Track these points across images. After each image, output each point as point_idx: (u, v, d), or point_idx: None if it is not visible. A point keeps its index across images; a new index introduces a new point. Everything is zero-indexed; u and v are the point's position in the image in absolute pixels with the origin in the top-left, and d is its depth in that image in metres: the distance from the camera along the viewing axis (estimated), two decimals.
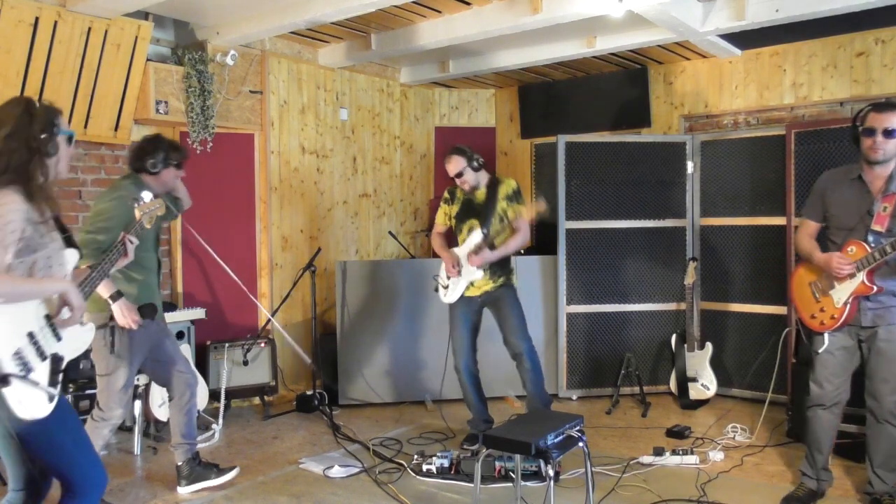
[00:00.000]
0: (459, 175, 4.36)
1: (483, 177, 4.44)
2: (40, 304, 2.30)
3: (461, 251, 4.41)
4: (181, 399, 3.79)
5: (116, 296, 3.40)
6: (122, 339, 3.47)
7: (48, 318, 2.31)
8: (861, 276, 3.19)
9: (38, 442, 2.31)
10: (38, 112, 2.32)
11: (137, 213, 2.90)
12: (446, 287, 4.49)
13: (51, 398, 2.26)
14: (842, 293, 3.26)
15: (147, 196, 2.97)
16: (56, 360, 2.32)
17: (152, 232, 3.65)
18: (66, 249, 2.42)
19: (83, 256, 3.27)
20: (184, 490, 3.79)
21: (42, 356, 2.26)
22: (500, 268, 4.40)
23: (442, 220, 4.57)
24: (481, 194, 4.42)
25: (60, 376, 2.33)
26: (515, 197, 4.41)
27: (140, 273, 3.56)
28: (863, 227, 3.22)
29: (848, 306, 3.24)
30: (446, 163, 4.40)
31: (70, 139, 2.41)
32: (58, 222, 2.43)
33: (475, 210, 4.42)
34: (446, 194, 4.56)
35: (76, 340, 2.45)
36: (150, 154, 3.62)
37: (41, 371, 2.25)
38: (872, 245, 3.17)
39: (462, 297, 4.41)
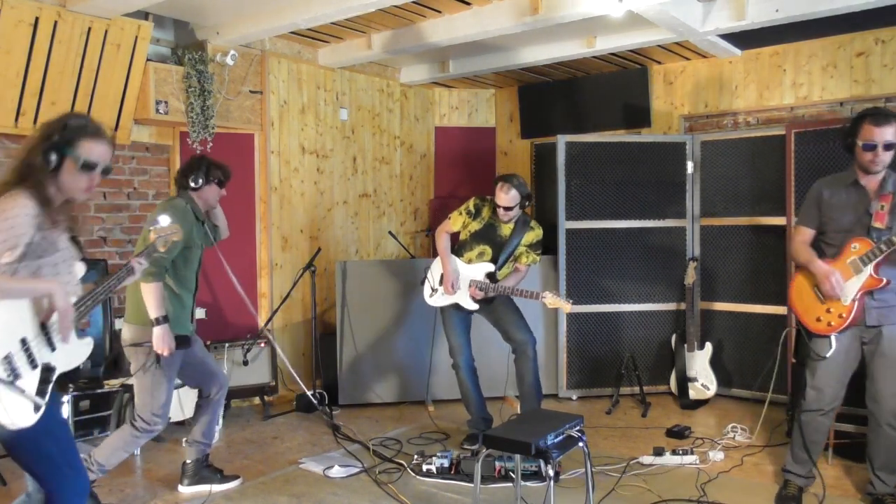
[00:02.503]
0: (509, 209, 4.27)
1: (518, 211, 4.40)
2: (35, 313, 2.27)
3: (464, 272, 4.40)
4: (213, 398, 3.85)
5: (162, 319, 3.42)
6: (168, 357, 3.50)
7: (44, 326, 2.29)
8: (869, 270, 3.20)
9: (23, 449, 2.30)
10: (63, 128, 2.35)
11: (152, 236, 2.93)
12: (435, 290, 4.50)
13: (37, 408, 2.23)
14: (850, 290, 3.24)
15: (164, 220, 3.00)
16: (47, 370, 2.29)
17: (199, 253, 3.71)
18: (77, 262, 2.45)
19: (153, 275, 3.39)
20: (185, 490, 3.80)
21: (33, 364, 2.24)
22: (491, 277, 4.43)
23: (458, 226, 4.48)
24: (507, 228, 4.39)
25: (50, 387, 2.29)
26: (536, 247, 4.44)
27: (181, 291, 3.62)
28: (861, 227, 3.26)
29: (856, 303, 3.23)
30: (502, 191, 4.25)
31: (87, 166, 2.38)
32: (74, 238, 2.46)
33: (495, 241, 4.39)
34: (471, 207, 4.43)
35: (72, 353, 2.41)
36: (193, 170, 3.68)
37: (29, 379, 2.22)
38: (875, 239, 3.19)
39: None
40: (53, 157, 2.32)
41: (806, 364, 3.46)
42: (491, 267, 4.37)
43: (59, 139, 2.33)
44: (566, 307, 4.15)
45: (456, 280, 4.37)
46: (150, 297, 3.41)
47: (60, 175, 2.35)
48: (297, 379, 5.26)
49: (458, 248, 4.52)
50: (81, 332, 2.46)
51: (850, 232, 3.28)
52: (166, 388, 3.56)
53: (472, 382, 4.53)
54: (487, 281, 4.35)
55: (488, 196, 4.47)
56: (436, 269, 4.53)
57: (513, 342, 4.47)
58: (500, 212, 4.31)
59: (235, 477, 3.92)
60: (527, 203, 4.35)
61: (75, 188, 2.40)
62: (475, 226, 4.44)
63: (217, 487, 3.82)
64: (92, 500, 3.51)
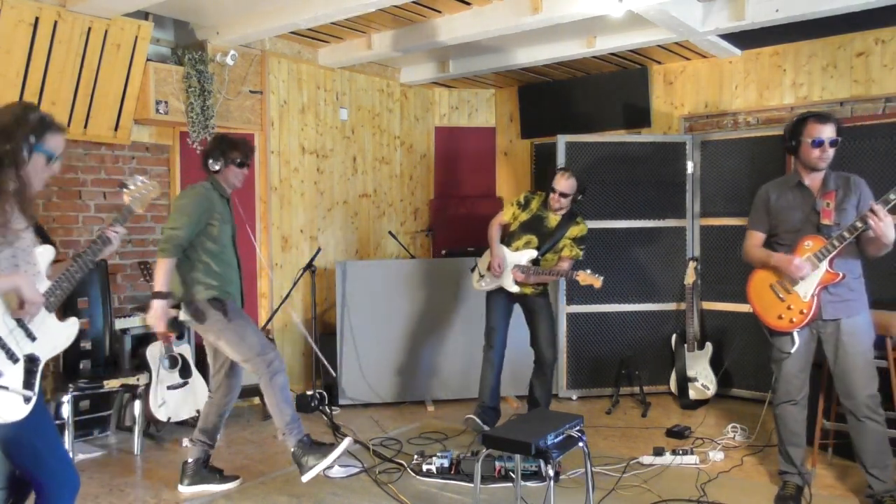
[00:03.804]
0: (564, 196, 4.47)
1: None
2: (7, 307, 2.24)
3: (510, 257, 4.57)
4: (226, 398, 3.90)
5: (162, 295, 3.45)
6: (229, 306, 3.64)
7: (20, 319, 2.26)
8: (825, 266, 3.28)
9: (8, 444, 2.29)
10: (28, 121, 2.29)
11: (126, 198, 2.79)
12: (482, 276, 4.69)
13: (27, 399, 2.24)
14: (808, 286, 3.31)
15: (132, 182, 2.84)
16: (31, 360, 2.28)
17: (229, 229, 3.76)
18: (38, 247, 2.39)
19: (165, 251, 3.45)
20: (184, 489, 3.80)
21: (13, 359, 2.23)
22: None
23: (509, 217, 4.70)
24: (554, 220, 4.57)
25: (37, 377, 2.29)
26: (580, 242, 4.61)
27: (220, 266, 3.68)
28: (810, 225, 3.36)
29: (815, 298, 3.30)
30: (563, 177, 4.49)
31: (49, 158, 2.36)
32: (35, 225, 2.41)
33: (541, 231, 4.57)
34: (521, 199, 4.68)
35: (55, 338, 2.39)
36: (211, 154, 3.74)
37: (13, 374, 2.22)
38: (827, 236, 3.27)
39: (502, 287, 4.61)
40: (25, 154, 2.28)
41: (771, 361, 3.53)
42: (534, 254, 4.54)
43: (29, 134, 2.28)
44: (597, 283, 4.33)
45: (502, 262, 4.54)
46: (159, 270, 3.48)
47: (25, 170, 2.29)
48: (322, 358, 5.26)
49: (507, 238, 4.68)
50: (65, 314, 2.44)
51: (801, 231, 3.37)
52: (252, 330, 3.68)
53: (497, 368, 4.68)
54: (531, 264, 4.51)
55: (538, 191, 4.70)
56: (484, 258, 4.72)
57: (537, 352, 4.66)
58: (555, 197, 4.48)
59: (235, 477, 3.92)
60: (579, 196, 4.55)
61: (39, 182, 2.37)
62: (524, 216, 4.62)
63: (217, 487, 3.82)
64: (305, 446, 3.66)
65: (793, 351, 3.39)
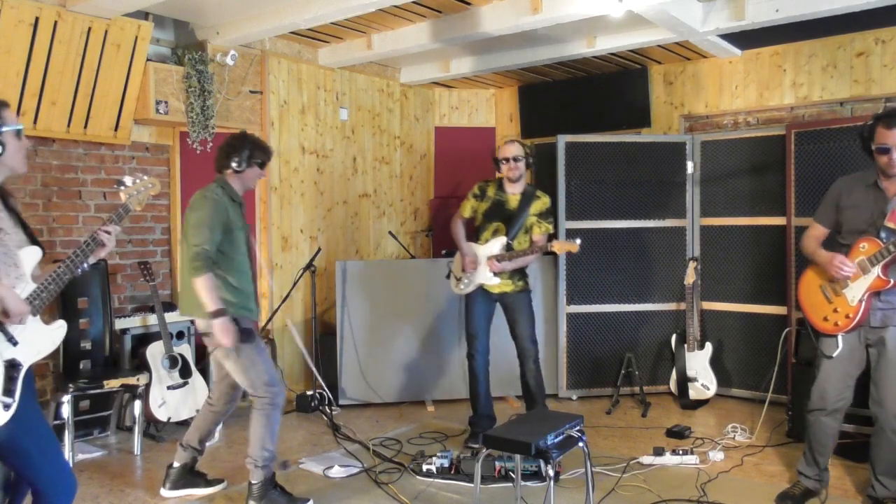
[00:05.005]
0: (516, 160, 4.39)
1: (523, 181, 4.51)
2: None
3: (481, 251, 4.47)
4: (227, 405, 3.83)
5: (219, 312, 3.32)
6: (244, 324, 3.48)
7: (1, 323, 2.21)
8: (876, 271, 3.17)
9: (2, 448, 2.26)
10: None
11: (123, 196, 2.67)
12: (458, 279, 4.56)
13: (6, 406, 2.18)
14: (857, 291, 3.22)
15: (129, 180, 2.73)
16: (11, 366, 2.21)
17: (243, 235, 3.58)
18: (23, 248, 2.33)
19: (197, 269, 3.27)
20: (167, 493, 3.75)
21: None
22: (519, 271, 4.50)
23: (468, 211, 4.60)
24: (514, 200, 4.48)
25: (18, 383, 2.22)
26: (545, 216, 4.50)
27: (237, 277, 3.51)
28: (873, 228, 3.22)
29: (863, 304, 3.20)
30: (504, 145, 4.46)
31: (18, 133, 2.31)
32: (20, 221, 2.37)
33: (504, 215, 4.48)
34: (476, 190, 4.59)
35: (40, 342, 2.33)
36: (237, 152, 3.55)
37: None
38: (885, 240, 3.16)
39: (480, 288, 4.48)
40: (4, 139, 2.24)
41: (815, 363, 3.46)
42: (504, 239, 4.44)
43: None
44: (574, 247, 4.23)
45: (474, 258, 4.45)
46: (202, 290, 3.31)
47: (4, 153, 2.25)
48: (314, 370, 5.26)
49: (475, 233, 4.59)
50: (52, 318, 2.40)
51: (864, 232, 3.24)
52: (262, 359, 3.53)
53: (483, 376, 4.55)
54: (503, 250, 4.41)
55: (490, 179, 4.62)
56: (456, 261, 4.62)
57: (518, 346, 4.56)
58: (508, 166, 4.40)
59: (220, 480, 3.88)
60: (530, 161, 4.48)
61: (20, 158, 2.32)
62: (484, 206, 4.54)
63: (202, 491, 3.78)
64: (280, 492, 3.57)
65: (835, 355, 3.30)
